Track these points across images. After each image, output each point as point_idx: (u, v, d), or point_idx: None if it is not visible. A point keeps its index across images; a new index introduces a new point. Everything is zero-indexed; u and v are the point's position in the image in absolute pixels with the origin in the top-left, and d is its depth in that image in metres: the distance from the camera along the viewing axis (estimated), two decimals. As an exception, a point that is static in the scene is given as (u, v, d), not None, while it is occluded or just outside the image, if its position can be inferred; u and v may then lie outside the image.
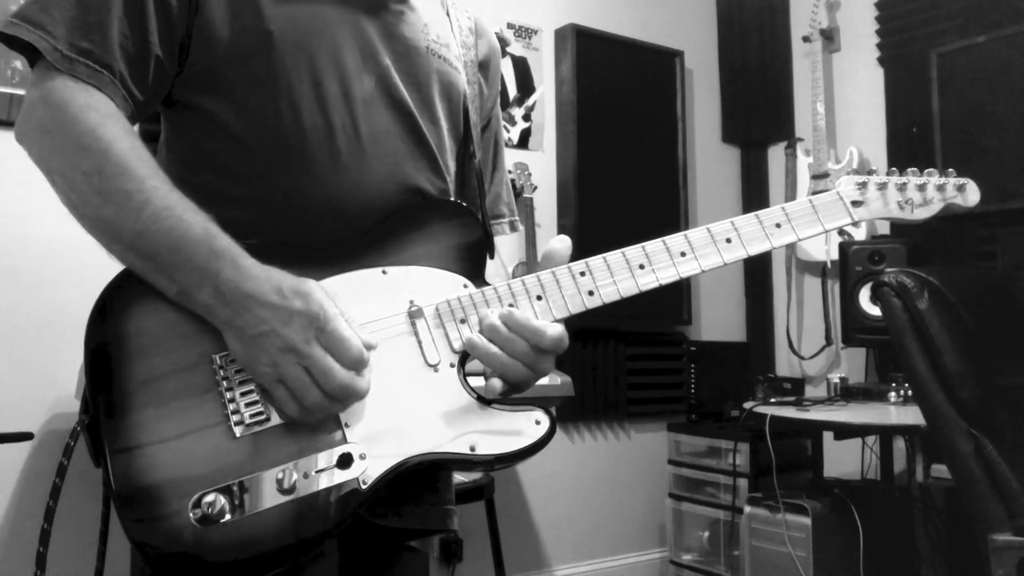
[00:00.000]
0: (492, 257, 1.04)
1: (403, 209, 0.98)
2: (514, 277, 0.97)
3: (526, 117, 3.25)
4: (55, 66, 0.85)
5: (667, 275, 0.96)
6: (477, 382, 0.92)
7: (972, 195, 1.10)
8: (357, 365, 0.84)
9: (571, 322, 0.95)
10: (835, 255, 3.17)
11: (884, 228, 3.19)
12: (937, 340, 1.67)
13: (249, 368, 0.84)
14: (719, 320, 3.75)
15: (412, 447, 0.86)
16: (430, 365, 0.90)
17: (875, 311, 2.79)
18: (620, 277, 0.95)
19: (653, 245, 0.96)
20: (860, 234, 3.12)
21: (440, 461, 0.88)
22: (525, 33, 3.27)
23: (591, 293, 0.94)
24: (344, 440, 0.85)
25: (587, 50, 3.34)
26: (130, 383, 0.83)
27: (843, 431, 2.68)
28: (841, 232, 3.08)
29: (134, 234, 0.83)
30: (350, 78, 0.97)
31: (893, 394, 2.75)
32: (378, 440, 0.86)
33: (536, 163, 3.21)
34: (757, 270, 3.77)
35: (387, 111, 1.00)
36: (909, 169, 1.09)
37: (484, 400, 0.90)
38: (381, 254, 0.94)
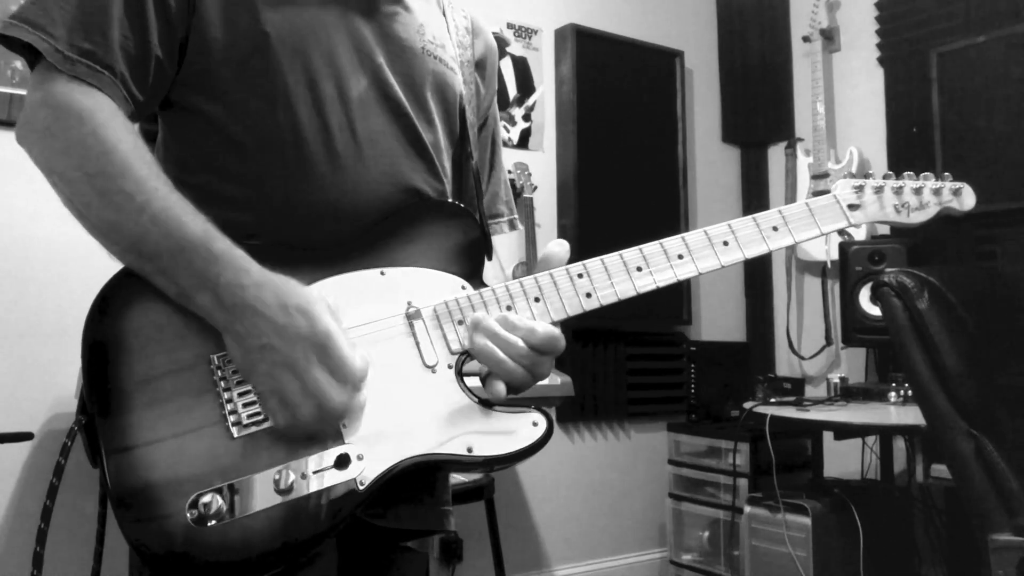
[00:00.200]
0: (490, 258, 1.05)
1: (401, 210, 0.98)
2: (514, 277, 0.97)
3: (526, 117, 3.25)
4: (56, 67, 0.85)
5: (664, 277, 0.96)
6: (475, 382, 0.92)
7: (968, 199, 1.10)
8: (356, 385, 0.84)
9: (571, 322, 0.95)
10: (835, 255, 3.17)
11: (884, 228, 3.19)
12: (937, 340, 1.67)
13: (245, 373, 0.84)
14: (719, 320, 3.75)
15: (409, 448, 0.86)
16: (428, 366, 0.90)
17: (875, 311, 2.79)
18: (618, 279, 0.95)
19: (650, 248, 0.97)
20: (860, 234, 3.12)
21: (437, 462, 0.88)
22: (525, 33, 3.27)
23: (589, 295, 0.94)
24: (341, 441, 0.85)
25: (587, 50, 3.34)
26: (128, 382, 0.83)
27: (843, 431, 2.67)
28: (841, 232, 3.07)
29: (134, 236, 0.83)
30: (345, 79, 0.97)
31: (893, 394, 2.75)
32: (375, 441, 0.86)
33: (536, 163, 3.21)
34: (757, 270, 3.77)
35: (382, 112, 1.00)
36: (905, 173, 1.09)
37: (482, 401, 0.90)
38: (379, 255, 0.94)
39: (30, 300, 2.26)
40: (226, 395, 0.84)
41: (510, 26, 3.24)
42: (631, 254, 0.96)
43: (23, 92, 2.12)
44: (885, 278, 1.75)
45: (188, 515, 0.79)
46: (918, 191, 1.08)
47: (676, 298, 3.50)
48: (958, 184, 1.10)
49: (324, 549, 0.87)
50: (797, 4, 3.74)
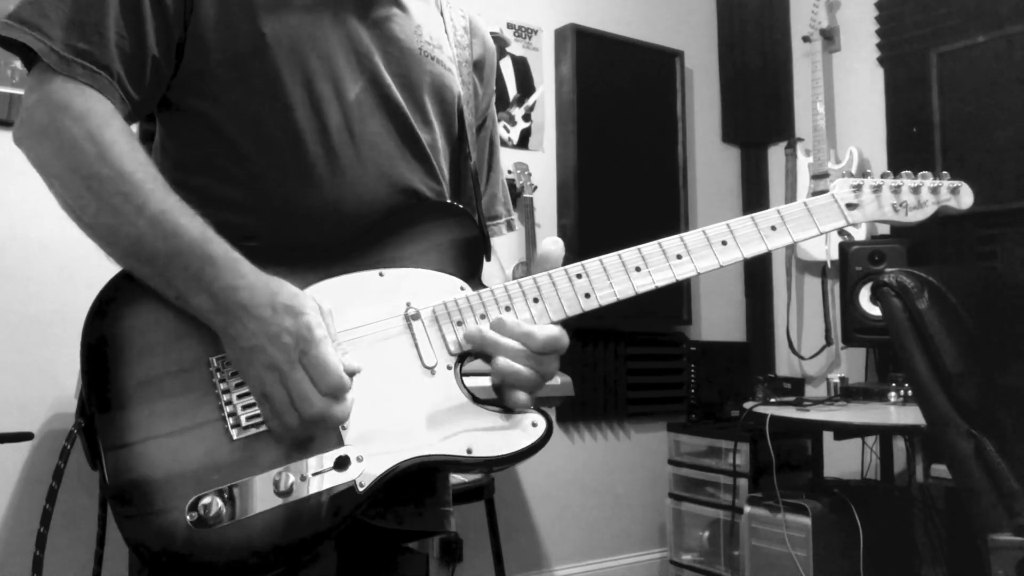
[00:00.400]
0: (488, 259, 1.04)
1: (399, 211, 0.98)
2: (514, 277, 0.97)
3: (526, 117, 3.25)
4: (52, 68, 0.84)
5: (663, 277, 0.96)
6: (472, 383, 0.92)
7: (966, 198, 1.10)
8: (336, 392, 0.82)
9: (570, 322, 0.95)
10: (835, 255, 3.17)
11: (884, 228, 3.18)
12: (937, 340, 1.67)
13: (241, 375, 0.84)
14: (719, 320, 3.75)
15: (409, 449, 0.86)
16: (427, 367, 0.90)
17: (875, 311, 2.79)
18: (616, 280, 0.95)
19: (649, 247, 0.96)
20: (860, 234, 3.12)
21: (437, 463, 0.88)
22: (525, 33, 3.27)
23: (587, 296, 0.94)
24: (341, 442, 0.85)
25: (587, 50, 3.33)
26: (127, 383, 0.83)
27: (843, 431, 2.67)
28: (841, 232, 3.08)
29: (131, 239, 0.83)
30: (342, 81, 0.97)
31: (893, 394, 2.75)
32: (375, 442, 0.86)
33: (536, 163, 3.21)
34: (757, 270, 3.77)
35: (380, 113, 1.00)
36: (903, 172, 1.09)
37: (480, 402, 0.90)
38: (377, 256, 0.94)
39: (30, 300, 2.26)
40: (225, 397, 0.84)
41: (510, 26, 3.24)
42: (629, 254, 0.96)
43: (22, 92, 2.12)
44: (885, 278, 1.75)
45: (188, 517, 0.79)
46: (916, 190, 1.08)
47: (676, 298, 3.50)
48: (956, 183, 1.10)
49: (324, 550, 0.87)
50: (797, 4, 3.74)
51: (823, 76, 3.42)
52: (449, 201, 1.08)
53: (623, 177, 3.41)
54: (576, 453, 3.30)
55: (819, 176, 3.37)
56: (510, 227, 1.24)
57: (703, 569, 3.10)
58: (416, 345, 0.91)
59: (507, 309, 0.93)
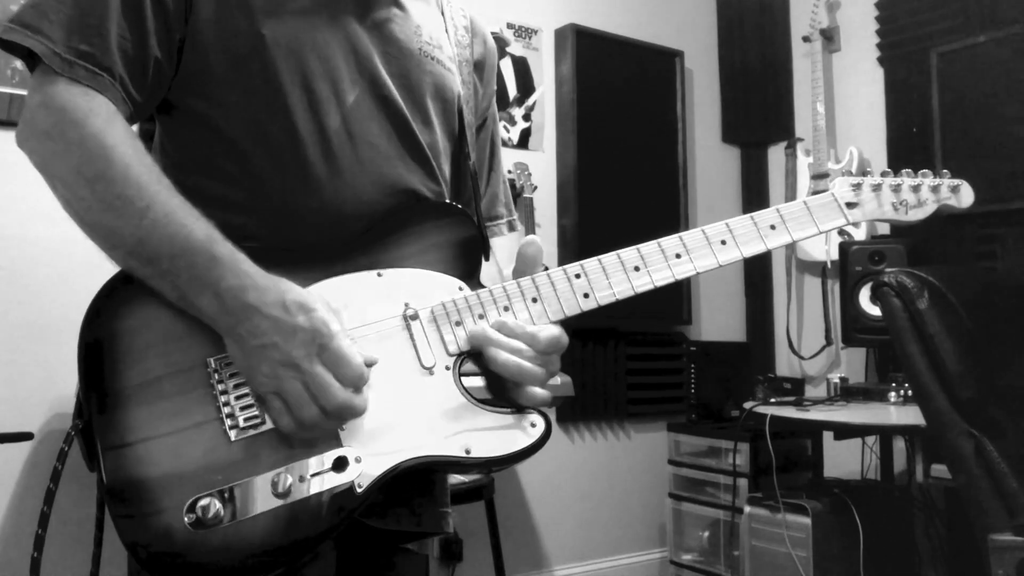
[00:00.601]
0: (487, 259, 1.04)
1: (398, 211, 0.98)
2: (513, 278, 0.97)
3: (526, 117, 3.25)
4: (54, 70, 0.84)
5: (662, 277, 0.95)
6: (473, 383, 0.92)
7: (966, 196, 1.10)
8: (357, 383, 0.84)
9: (570, 321, 0.95)
10: (835, 255, 3.17)
11: (884, 228, 3.18)
12: (937, 340, 1.67)
13: (247, 376, 0.84)
14: (719, 320, 3.75)
15: (408, 450, 0.86)
16: (425, 368, 0.90)
17: (875, 311, 2.79)
18: (615, 280, 0.95)
19: (648, 247, 0.96)
20: (860, 234, 3.12)
21: (435, 463, 0.88)
22: (525, 33, 3.27)
23: (586, 295, 0.94)
24: (339, 443, 0.85)
25: (587, 50, 3.33)
26: (124, 385, 0.83)
27: (843, 431, 2.67)
28: (841, 232, 3.08)
29: (135, 240, 0.83)
30: (342, 82, 0.97)
31: (893, 394, 2.75)
32: (373, 443, 0.86)
33: (536, 163, 3.21)
34: (757, 270, 3.77)
35: (379, 114, 1.00)
36: (904, 170, 1.08)
37: (479, 402, 0.90)
38: (376, 257, 0.94)
39: (30, 300, 2.26)
40: (223, 398, 0.84)
41: (510, 26, 3.24)
42: (628, 254, 0.96)
43: (23, 92, 2.13)
44: (885, 278, 1.75)
45: (186, 519, 0.79)
46: (916, 188, 1.07)
47: (676, 298, 3.50)
48: (956, 181, 1.09)
49: (323, 550, 0.87)
50: (797, 4, 3.74)
51: (823, 76, 3.42)
52: (448, 201, 1.07)
53: (623, 177, 3.40)
54: (576, 453, 3.30)
55: (819, 176, 3.37)
56: (512, 227, 1.24)
57: (703, 569, 3.10)
58: (415, 345, 0.91)
59: (505, 309, 0.93)
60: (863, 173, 1.06)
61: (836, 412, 2.62)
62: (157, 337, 0.85)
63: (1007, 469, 1.56)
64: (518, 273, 0.96)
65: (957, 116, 3.02)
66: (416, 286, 0.93)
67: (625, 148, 3.43)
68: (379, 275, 0.93)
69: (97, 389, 0.83)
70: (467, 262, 0.97)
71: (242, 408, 0.84)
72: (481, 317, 0.93)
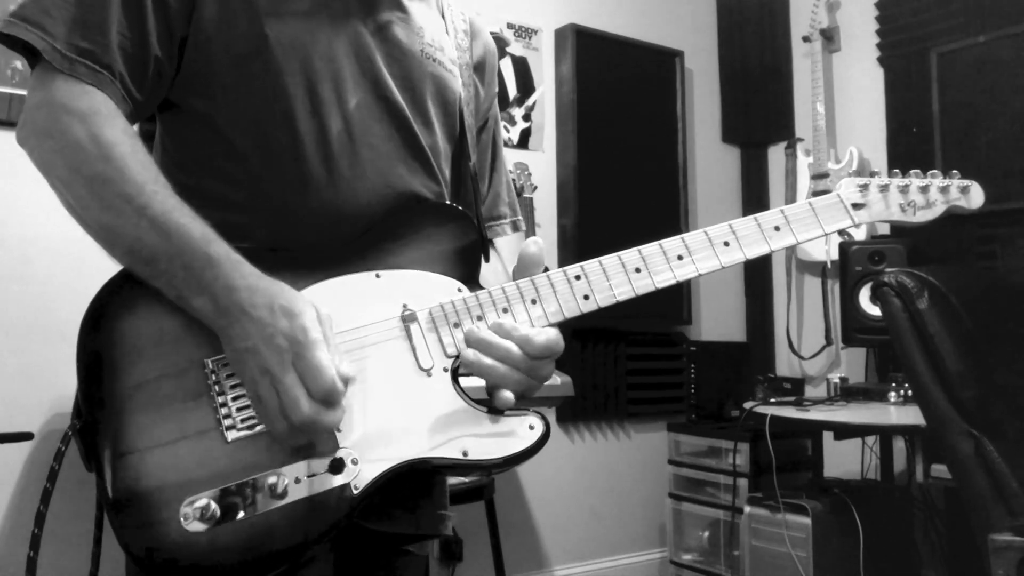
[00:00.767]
0: (487, 260, 1.04)
1: (397, 212, 0.97)
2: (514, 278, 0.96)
3: (526, 117, 3.25)
4: (55, 67, 0.84)
5: (663, 279, 0.94)
6: (469, 382, 0.91)
7: (976, 197, 1.07)
8: (328, 398, 0.80)
9: (570, 322, 0.94)
10: (835, 255, 3.17)
11: (884, 228, 3.18)
12: (937, 340, 1.66)
13: (239, 377, 0.83)
14: (719, 320, 3.75)
15: (405, 452, 0.86)
16: (423, 370, 0.89)
17: (875, 311, 2.78)
18: (616, 281, 0.94)
19: (649, 248, 0.95)
20: (860, 234, 3.11)
21: (433, 466, 0.87)
22: (525, 33, 3.27)
23: (586, 297, 0.93)
24: (336, 445, 0.84)
25: (587, 50, 3.33)
26: (123, 386, 0.82)
27: (843, 431, 2.67)
28: (841, 232, 3.07)
29: (133, 239, 0.83)
30: (344, 83, 0.97)
31: (893, 394, 2.75)
32: (370, 445, 0.85)
33: (536, 163, 3.21)
34: (757, 270, 3.77)
35: (381, 115, 0.99)
36: (912, 171, 1.06)
37: (477, 404, 0.90)
38: (375, 258, 0.94)
39: (31, 300, 2.25)
40: (220, 399, 0.83)
41: (510, 26, 3.23)
42: (629, 255, 0.95)
43: (23, 92, 2.12)
44: (885, 278, 1.75)
45: (183, 520, 0.78)
46: (924, 189, 1.05)
47: (676, 298, 3.50)
48: (966, 182, 1.06)
49: (320, 552, 0.86)
50: (797, 4, 3.74)
51: (823, 76, 3.42)
52: (448, 203, 1.07)
53: (623, 177, 3.40)
54: (576, 453, 3.30)
55: (819, 176, 3.37)
56: (515, 228, 1.23)
57: (703, 569, 3.09)
58: (412, 347, 0.90)
59: (505, 311, 0.92)
60: (870, 173, 1.04)
61: (836, 412, 2.62)
62: (155, 339, 0.84)
63: (1007, 469, 1.56)
64: (519, 273, 0.95)
65: (957, 116, 3.02)
66: (415, 287, 0.93)
67: (625, 148, 3.43)
68: (377, 276, 0.93)
69: (95, 391, 0.82)
70: (467, 264, 0.96)
71: (239, 409, 0.83)
72: (480, 319, 0.92)
